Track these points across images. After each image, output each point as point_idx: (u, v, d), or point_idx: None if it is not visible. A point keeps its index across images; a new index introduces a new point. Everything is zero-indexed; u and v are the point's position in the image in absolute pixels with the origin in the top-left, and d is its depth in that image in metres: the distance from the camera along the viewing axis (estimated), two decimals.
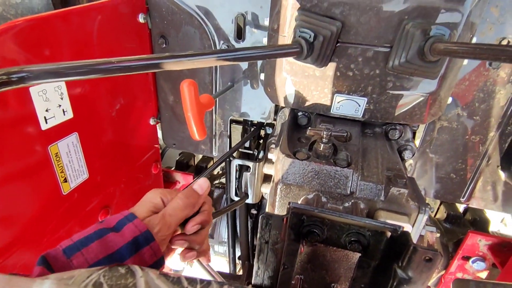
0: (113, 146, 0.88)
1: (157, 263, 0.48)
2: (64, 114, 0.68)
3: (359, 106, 0.76)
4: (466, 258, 1.15)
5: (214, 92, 0.97)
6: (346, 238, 0.60)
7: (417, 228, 0.68)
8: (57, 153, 0.68)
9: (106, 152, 0.86)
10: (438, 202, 1.44)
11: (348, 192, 0.68)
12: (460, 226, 1.32)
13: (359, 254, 0.61)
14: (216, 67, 0.94)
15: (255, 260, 0.58)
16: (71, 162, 0.72)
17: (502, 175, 0.87)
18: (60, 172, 0.70)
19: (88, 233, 0.44)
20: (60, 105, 0.66)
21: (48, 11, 0.86)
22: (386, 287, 0.55)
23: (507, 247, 1.07)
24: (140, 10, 0.88)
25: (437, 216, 1.44)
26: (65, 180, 0.72)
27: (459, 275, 1.20)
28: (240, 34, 0.90)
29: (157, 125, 1.09)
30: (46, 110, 0.63)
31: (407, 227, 0.63)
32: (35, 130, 0.62)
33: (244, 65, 0.94)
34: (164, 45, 0.94)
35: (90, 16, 0.74)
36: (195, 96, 0.68)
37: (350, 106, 0.77)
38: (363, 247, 0.59)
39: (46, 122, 0.64)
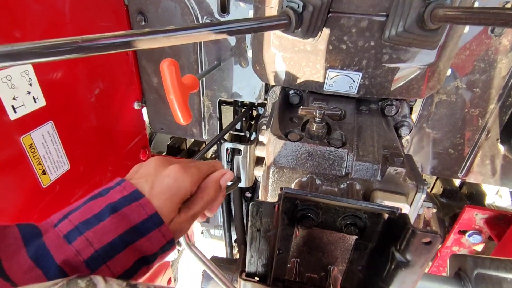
0: (96, 134, 0.83)
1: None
2: (35, 102, 0.63)
3: (353, 81, 0.72)
4: (463, 232, 1.15)
5: (199, 73, 0.91)
6: (342, 221, 0.58)
7: (414, 207, 0.66)
8: (31, 144, 0.63)
9: (88, 140, 0.81)
10: (434, 177, 1.43)
11: (343, 173, 0.65)
12: (456, 200, 1.31)
13: (355, 237, 0.59)
14: (200, 45, 0.87)
15: (247, 248, 0.56)
16: (48, 153, 0.68)
17: (502, 148, 0.84)
18: (37, 164, 0.66)
19: (112, 238, 0.36)
20: (29, 92, 0.60)
21: None
22: (384, 270, 0.53)
23: (503, 220, 1.07)
24: None
25: (434, 191, 1.44)
26: (44, 173, 0.67)
27: (455, 249, 1.20)
28: (224, 7, 0.83)
29: (142, 109, 1.04)
30: (13, 98, 0.57)
31: (404, 208, 0.61)
32: (2, 120, 0.57)
33: (231, 41, 0.88)
34: (143, 23, 0.87)
35: None
36: (176, 77, 0.63)
37: (344, 82, 0.73)
38: (359, 229, 0.57)
39: (15, 112, 0.58)
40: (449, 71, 0.79)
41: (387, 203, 0.62)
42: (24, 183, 0.64)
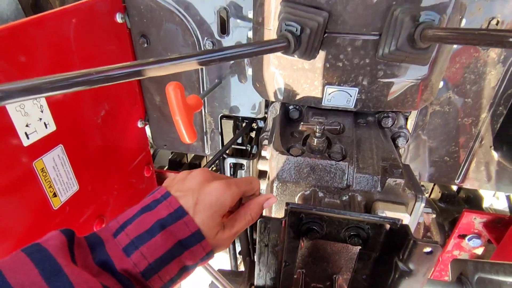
0: (102, 154, 0.85)
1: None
2: (46, 127, 0.65)
3: (351, 96, 0.75)
4: (462, 236, 1.17)
5: (201, 90, 0.94)
6: (346, 232, 0.60)
7: (414, 216, 0.69)
8: (43, 168, 0.65)
9: (95, 160, 0.83)
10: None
11: (345, 186, 0.68)
12: (454, 204, 1.34)
13: (359, 247, 0.61)
14: None
15: (256, 262, 0.58)
16: (59, 175, 0.70)
17: (495, 155, 0.87)
18: (49, 187, 0.67)
19: (162, 253, 0.42)
20: (40, 119, 0.63)
21: (18, 16, 0.82)
22: (388, 279, 0.56)
23: (501, 223, 1.10)
24: (117, 9, 0.83)
25: (432, 196, 1.46)
26: (55, 195, 0.69)
27: (456, 253, 1.22)
28: (224, 28, 0.87)
29: (145, 127, 1.06)
30: (27, 125, 0.60)
31: (405, 217, 0.63)
32: (16, 147, 0.59)
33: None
34: (146, 45, 0.90)
35: (65, 20, 0.70)
36: (181, 99, 0.65)
37: (342, 97, 0.76)
38: (362, 240, 0.59)
39: (28, 138, 0.61)
40: (441, 84, 0.82)
41: (388, 213, 0.64)
42: (36, 206, 0.65)
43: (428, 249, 0.47)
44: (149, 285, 0.42)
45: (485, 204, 1.35)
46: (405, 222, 0.63)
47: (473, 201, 1.34)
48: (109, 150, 0.89)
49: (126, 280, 0.40)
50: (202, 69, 0.91)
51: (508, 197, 1.03)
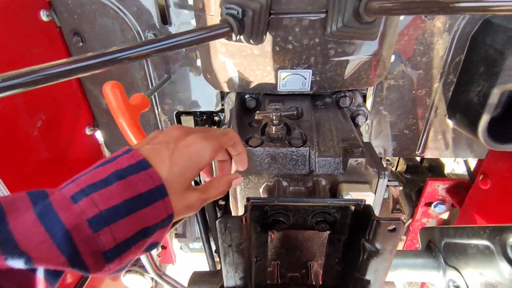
0: (50, 166, 0.77)
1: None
2: None
3: (305, 79, 0.73)
4: (429, 204, 1.21)
5: (150, 88, 0.88)
6: (312, 219, 0.59)
7: (379, 193, 0.68)
8: None
9: (40, 174, 0.75)
10: None
11: (308, 171, 0.66)
12: (419, 174, 1.39)
13: (328, 232, 0.60)
14: (146, 60, 0.84)
15: (222, 264, 0.55)
16: None
17: (450, 123, 0.90)
18: None
19: (117, 202, 0.35)
20: None
21: None
22: (358, 260, 0.55)
23: (462, 187, 1.15)
24: (40, 6, 0.74)
25: (398, 169, 1.51)
26: None
27: (424, 220, 1.27)
28: (164, 18, 0.80)
29: (96, 133, 0.98)
30: None
31: (369, 196, 0.63)
32: None
33: (178, 52, 0.85)
34: (81, 43, 0.82)
35: None
36: (122, 99, 0.60)
37: (296, 80, 0.73)
38: (330, 225, 0.58)
39: None
40: (393, 57, 0.82)
41: (353, 193, 0.63)
42: None
43: (391, 227, 0.47)
44: (97, 240, 0.34)
45: (447, 171, 1.41)
46: (369, 200, 0.63)
47: (435, 169, 1.40)
48: (57, 162, 0.81)
49: (59, 229, 0.32)
50: (148, 64, 0.85)
51: (465, 162, 1.07)
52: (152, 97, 0.88)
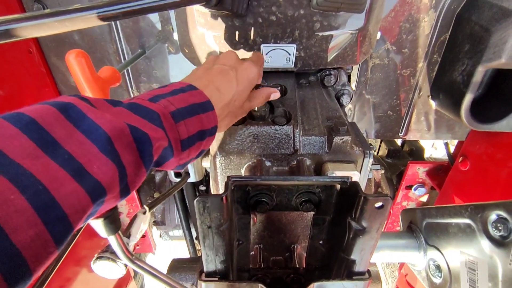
0: None
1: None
2: None
3: (289, 54, 0.69)
4: (409, 187, 1.23)
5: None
6: (297, 199, 0.56)
7: (364, 172, 0.67)
8: None
9: None
10: (379, 140, 1.51)
11: (292, 151, 0.63)
12: (400, 158, 1.40)
13: (312, 213, 0.58)
14: (118, 32, 0.77)
15: (202, 247, 0.51)
16: None
17: (433, 104, 0.90)
18: None
19: (187, 104, 0.43)
20: None
21: None
22: (343, 240, 0.53)
23: (441, 170, 1.17)
24: None
25: (379, 153, 1.52)
26: None
27: (405, 203, 1.29)
28: None
29: None
30: None
31: (355, 175, 0.61)
32: None
33: (155, 25, 0.79)
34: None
35: None
36: (89, 70, 0.54)
37: (280, 56, 0.70)
38: (314, 205, 0.55)
39: None
40: (378, 35, 0.80)
41: (338, 173, 0.61)
42: None
43: (379, 204, 0.45)
44: (177, 129, 0.40)
45: (425, 155, 1.44)
46: (355, 179, 0.61)
47: (416, 153, 1.42)
48: None
49: (154, 114, 0.37)
50: (119, 38, 0.78)
51: (446, 144, 1.09)
52: (125, 73, 0.82)
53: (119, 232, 0.42)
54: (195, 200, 0.44)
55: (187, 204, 1.13)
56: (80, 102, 0.32)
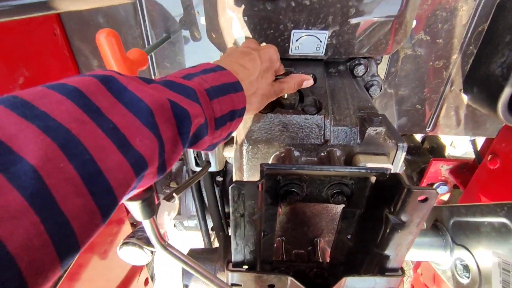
0: None
1: None
2: None
3: (320, 42, 0.67)
4: (431, 185, 1.19)
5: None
6: (328, 191, 0.54)
7: (396, 165, 0.64)
8: None
9: None
10: None
11: (322, 141, 0.61)
12: (420, 155, 1.37)
13: (342, 206, 0.56)
14: (143, 16, 0.75)
15: (232, 236, 0.50)
16: None
17: (465, 98, 0.86)
18: None
19: (220, 83, 0.43)
20: None
21: None
22: (377, 234, 0.51)
23: (465, 168, 1.13)
24: None
25: None
26: None
27: None
28: None
29: None
30: None
31: (389, 168, 0.58)
32: None
33: (178, 11, 0.77)
34: None
35: None
36: (119, 50, 0.52)
37: (311, 43, 0.67)
38: (346, 197, 0.53)
39: None
40: (414, 23, 0.76)
41: (370, 165, 0.59)
42: None
43: (423, 197, 0.42)
44: (212, 107, 0.40)
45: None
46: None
47: (436, 151, 1.38)
48: None
49: (191, 90, 0.37)
50: (144, 20, 0.76)
51: (473, 141, 1.05)
52: (149, 58, 0.81)
53: (154, 216, 0.41)
54: (230, 187, 0.42)
55: (204, 194, 1.12)
56: (119, 76, 0.31)
